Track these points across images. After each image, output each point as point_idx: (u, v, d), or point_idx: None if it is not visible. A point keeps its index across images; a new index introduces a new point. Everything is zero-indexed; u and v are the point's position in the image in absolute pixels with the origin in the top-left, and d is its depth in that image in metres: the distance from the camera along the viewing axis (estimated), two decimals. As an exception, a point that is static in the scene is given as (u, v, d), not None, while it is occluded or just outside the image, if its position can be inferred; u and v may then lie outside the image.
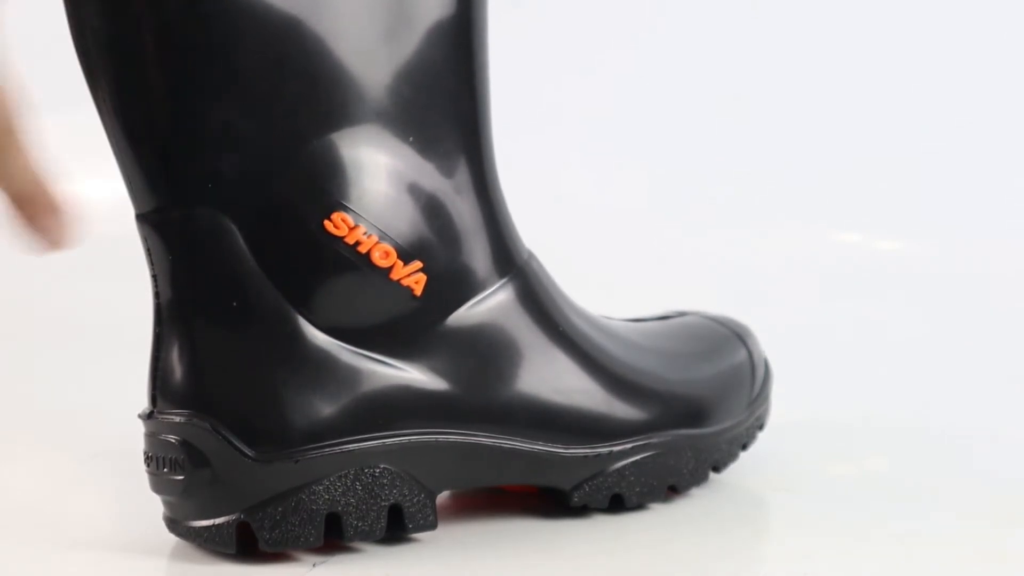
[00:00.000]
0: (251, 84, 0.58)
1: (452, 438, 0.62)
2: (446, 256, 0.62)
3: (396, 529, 0.61)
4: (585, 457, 0.65)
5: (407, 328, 0.62)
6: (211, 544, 0.60)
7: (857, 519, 0.67)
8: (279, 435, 0.59)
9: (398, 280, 0.61)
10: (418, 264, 0.61)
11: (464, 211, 0.63)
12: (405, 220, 0.61)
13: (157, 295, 0.60)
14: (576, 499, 0.65)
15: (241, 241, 0.59)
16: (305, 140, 0.59)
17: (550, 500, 0.66)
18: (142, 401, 0.61)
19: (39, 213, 0.58)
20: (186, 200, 0.59)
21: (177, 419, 0.59)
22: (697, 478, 0.69)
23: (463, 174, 0.63)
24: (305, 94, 0.59)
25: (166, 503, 0.61)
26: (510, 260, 0.65)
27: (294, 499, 0.59)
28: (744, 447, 0.72)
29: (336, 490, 0.60)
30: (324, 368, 0.60)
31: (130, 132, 0.58)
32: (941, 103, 1.33)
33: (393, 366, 0.61)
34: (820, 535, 0.65)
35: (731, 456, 0.71)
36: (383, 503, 0.61)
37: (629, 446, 0.66)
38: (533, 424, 0.64)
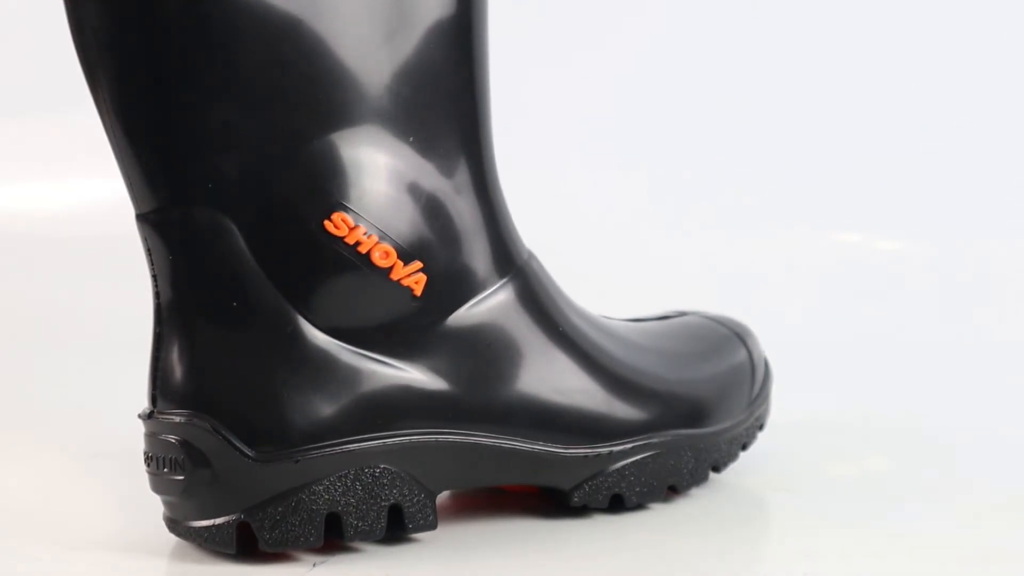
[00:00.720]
0: (251, 84, 0.58)
1: (452, 438, 0.62)
2: (446, 256, 0.62)
3: (396, 529, 0.61)
4: (585, 457, 0.65)
5: (407, 328, 0.62)
6: (211, 544, 0.60)
7: (857, 519, 0.67)
8: (279, 435, 0.59)
9: (398, 280, 0.61)
10: (418, 264, 0.61)
11: (464, 211, 0.63)
12: (405, 220, 0.61)
13: (157, 295, 0.60)
14: (576, 499, 0.65)
15: (241, 241, 0.59)
16: (305, 140, 0.59)
17: (550, 500, 0.66)
18: (142, 401, 0.61)
19: None
20: (186, 200, 0.59)
21: (177, 419, 0.59)
22: (697, 478, 0.69)
23: (463, 174, 0.63)
24: (305, 94, 0.59)
25: (166, 503, 0.61)
26: (510, 260, 0.65)
27: (294, 499, 0.59)
28: (744, 447, 0.72)
29: (336, 490, 0.60)
30: (324, 368, 0.60)
31: (130, 132, 0.58)
32: (941, 103, 1.33)
33: (393, 366, 0.61)
34: (820, 535, 0.65)
35: (731, 456, 0.71)
36: (383, 503, 0.61)
37: (629, 446, 0.66)
38: (533, 424, 0.64)
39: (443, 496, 0.67)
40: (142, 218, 0.60)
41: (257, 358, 0.59)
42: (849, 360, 1.04)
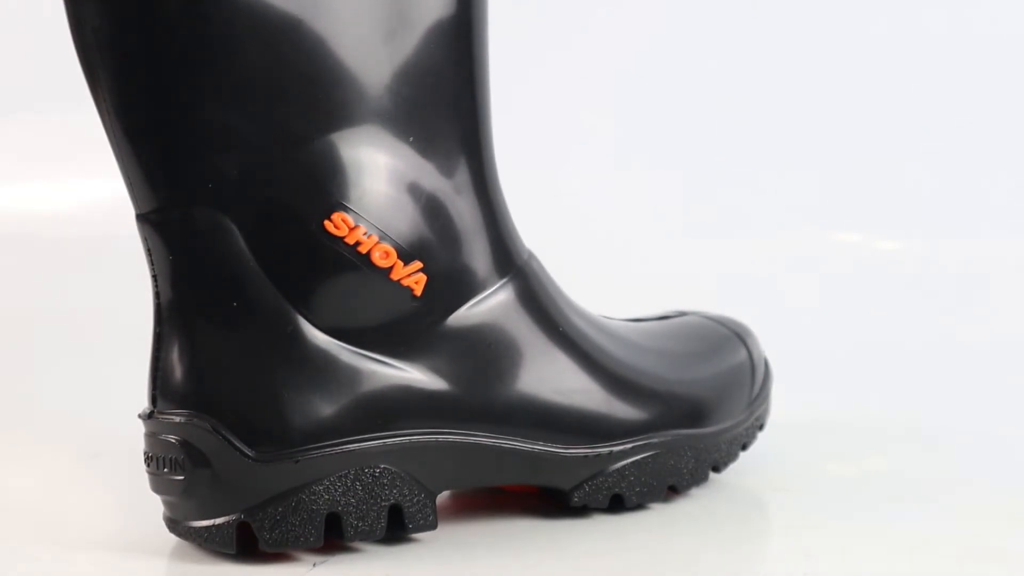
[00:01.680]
0: (251, 84, 0.58)
1: (452, 438, 0.62)
2: (446, 256, 0.62)
3: (396, 529, 0.61)
4: (585, 457, 0.65)
5: (407, 328, 0.62)
6: (211, 544, 0.60)
7: (857, 519, 0.67)
8: (279, 435, 0.59)
9: (398, 280, 0.61)
10: (418, 264, 0.61)
11: (464, 211, 0.63)
12: (405, 220, 0.61)
13: (157, 295, 0.60)
14: (576, 499, 0.65)
15: (241, 241, 0.59)
16: (305, 140, 0.59)
17: (550, 500, 0.66)
18: (142, 401, 0.61)
19: None
20: (186, 200, 0.59)
21: (177, 419, 0.59)
22: (697, 478, 0.69)
23: (463, 174, 0.63)
24: (305, 94, 0.59)
25: (166, 503, 0.61)
26: (510, 260, 0.65)
27: (294, 499, 0.59)
28: (744, 447, 0.72)
29: (336, 490, 0.60)
30: (324, 368, 0.60)
31: (130, 132, 0.58)
32: (941, 103, 1.33)
33: (393, 366, 0.61)
34: (820, 535, 0.65)
35: (731, 456, 0.71)
36: (383, 503, 0.61)
37: (629, 446, 0.66)
38: (533, 424, 0.64)
39: (443, 496, 0.67)
40: (142, 218, 0.60)
41: (257, 358, 0.59)
42: (849, 360, 1.04)
